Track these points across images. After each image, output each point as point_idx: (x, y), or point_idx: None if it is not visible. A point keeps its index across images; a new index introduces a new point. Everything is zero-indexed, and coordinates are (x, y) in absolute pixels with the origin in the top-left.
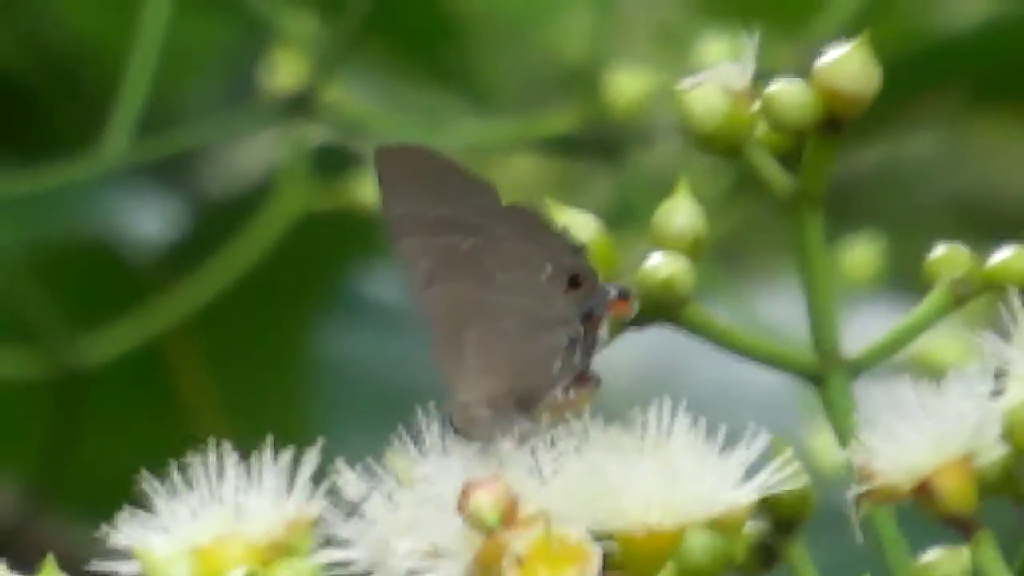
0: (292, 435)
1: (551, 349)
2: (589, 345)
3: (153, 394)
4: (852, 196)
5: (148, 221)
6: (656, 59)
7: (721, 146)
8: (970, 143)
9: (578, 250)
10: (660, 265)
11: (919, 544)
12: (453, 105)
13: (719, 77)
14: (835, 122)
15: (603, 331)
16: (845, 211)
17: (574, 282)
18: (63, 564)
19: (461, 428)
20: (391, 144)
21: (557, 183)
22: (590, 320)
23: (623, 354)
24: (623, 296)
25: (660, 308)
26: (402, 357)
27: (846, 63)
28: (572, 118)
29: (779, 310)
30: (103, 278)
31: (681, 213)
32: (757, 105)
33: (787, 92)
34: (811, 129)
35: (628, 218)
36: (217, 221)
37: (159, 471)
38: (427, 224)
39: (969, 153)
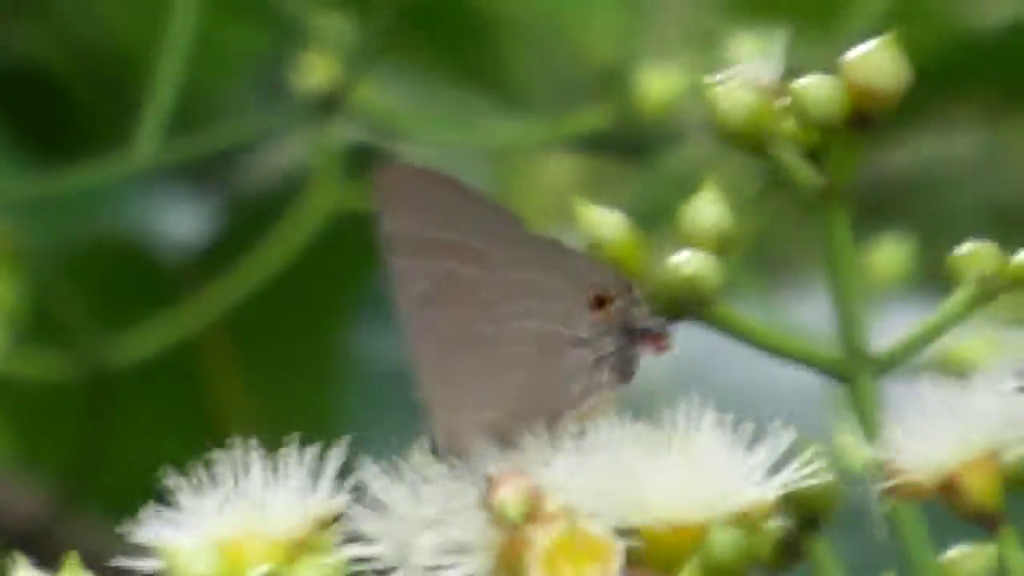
0: (322, 436)
1: (570, 371)
2: (622, 362)
3: (184, 395)
4: (887, 200)
5: (180, 221)
6: (686, 58)
7: (748, 142)
8: (1004, 146)
9: (604, 268)
10: (685, 262)
11: (944, 542)
12: (484, 105)
13: (747, 73)
14: (863, 118)
15: (639, 349)
16: (880, 215)
17: (600, 302)
18: (92, 564)
19: (446, 454)
20: (394, 162)
21: (588, 183)
22: (627, 336)
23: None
24: (661, 333)
25: (686, 305)
26: None
27: (875, 58)
28: (603, 117)
29: (810, 312)
30: (135, 278)
31: (708, 210)
32: (785, 101)
33: (815, 87)
34: (839, 125)
35: (658, 218)
36: (249, 222)
37: (188, 471)
38: (427, 245)
39: (1004, 156)
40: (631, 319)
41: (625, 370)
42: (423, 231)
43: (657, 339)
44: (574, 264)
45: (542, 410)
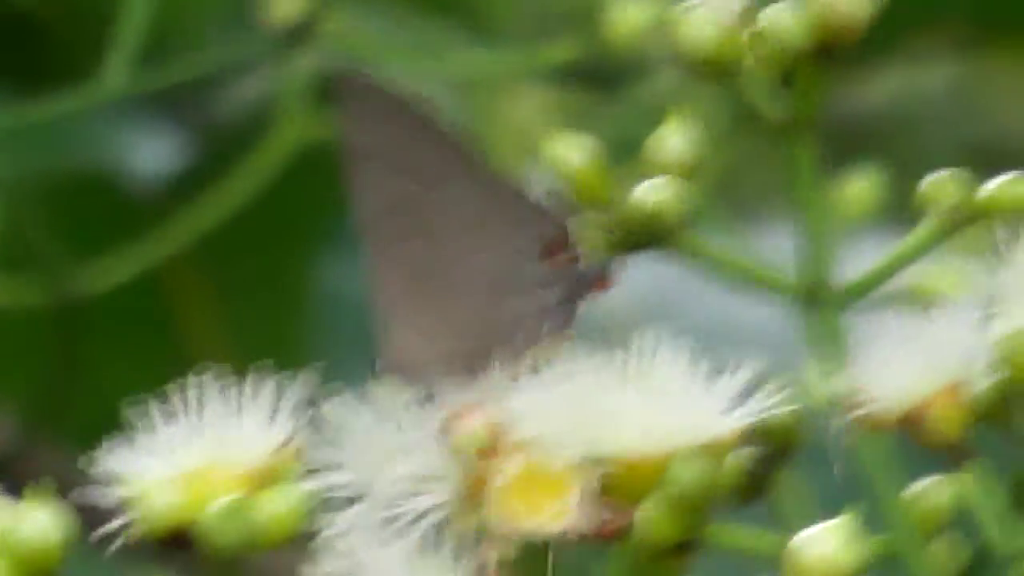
0: (291, 366)
1: (516, 317)
2: (564, 316)
3: (153, 324)
4: (858, 137)
5: (150, 152)
6: None
7: (714, 73)
8: (979, 80)
9: (556, 220)
10: (650, 191)
11: (908, 476)
12: (454, 36)
13: (713, 3)
14: (829, 49)
15: (581, 306)
16: (851, 152)
17: (549, 251)
18: (62, 494)
19: (397, 375)
20: (360, 75)
21: (559, 115)
22: (571, 291)
23: (622, 287)
24: (604, 275)
25: (652, 234)
26: None
27: None
28: (573, 49)
29: (778, 247)
30: (104, 208)
31: (674, 140)
32: (751, 31)
33: (780, 18)
34: (804, 55)
35: (628, 150)
36: (218, 152)
37: (155, 400)
38: (388, 160)
39: (978, 91)
40: (578, 270)
41: (569, 318)
42: (384, 145)
43: (601, 281)
44: (527, 210)
45: (492, 347)
